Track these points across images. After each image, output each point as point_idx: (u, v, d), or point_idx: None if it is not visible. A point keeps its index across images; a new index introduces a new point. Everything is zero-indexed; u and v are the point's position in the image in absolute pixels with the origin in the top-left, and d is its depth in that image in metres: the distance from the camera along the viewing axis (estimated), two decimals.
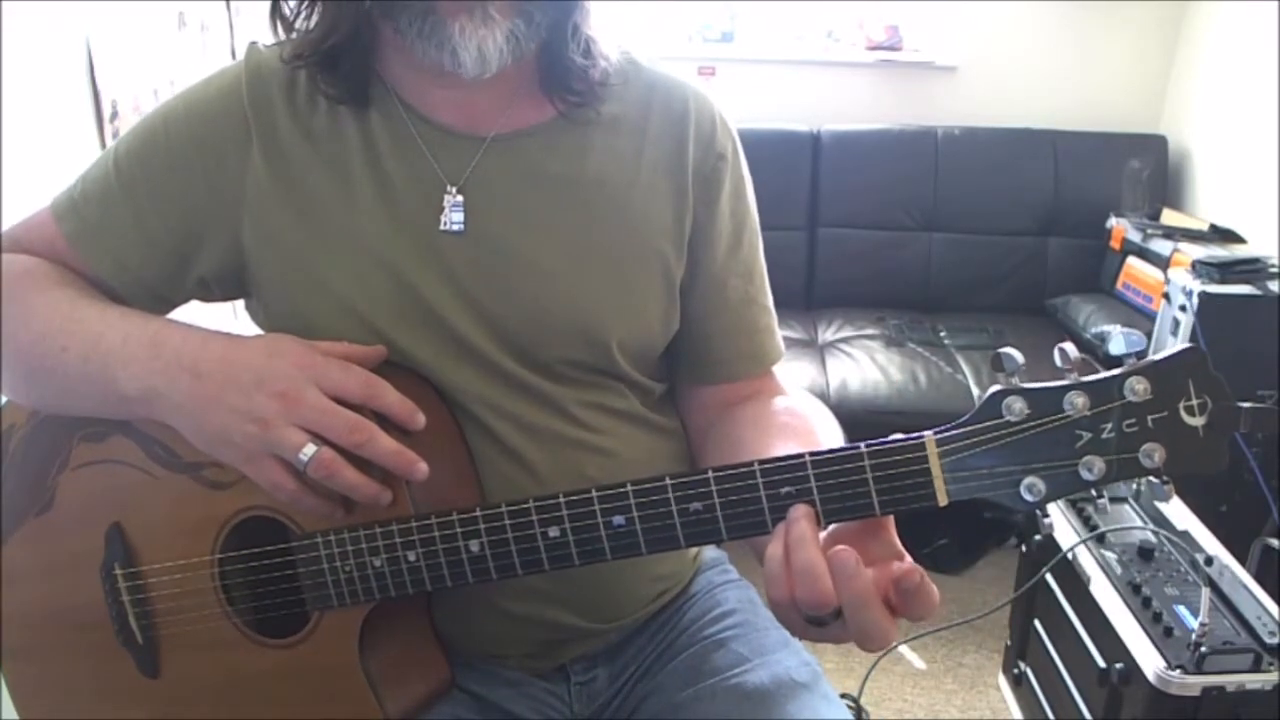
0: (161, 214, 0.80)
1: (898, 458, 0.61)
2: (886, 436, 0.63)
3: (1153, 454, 0.58)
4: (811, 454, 0.62)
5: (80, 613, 0.82)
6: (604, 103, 0.82)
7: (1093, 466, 0.59)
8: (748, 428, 0.84)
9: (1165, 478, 0.59)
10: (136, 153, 0.82)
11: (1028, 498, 0.60)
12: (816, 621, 0.61)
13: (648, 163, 0.83)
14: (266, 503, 0.76)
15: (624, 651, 0.91)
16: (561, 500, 0.68)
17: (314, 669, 0.77)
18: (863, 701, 1.88)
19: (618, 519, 0.67)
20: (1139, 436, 0.58)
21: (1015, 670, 1.92)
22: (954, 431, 0.61)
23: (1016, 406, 0.59)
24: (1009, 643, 1.97)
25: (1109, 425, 0.58)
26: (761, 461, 0.63)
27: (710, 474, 0.64)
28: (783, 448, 0.77)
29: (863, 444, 0.62)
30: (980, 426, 0.60)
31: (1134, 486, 0.61)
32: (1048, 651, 1.76)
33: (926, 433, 0.61)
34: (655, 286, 0.84)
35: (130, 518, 0.81)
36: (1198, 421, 0.57)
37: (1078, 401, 0.58)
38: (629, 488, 0.66)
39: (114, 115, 1.56)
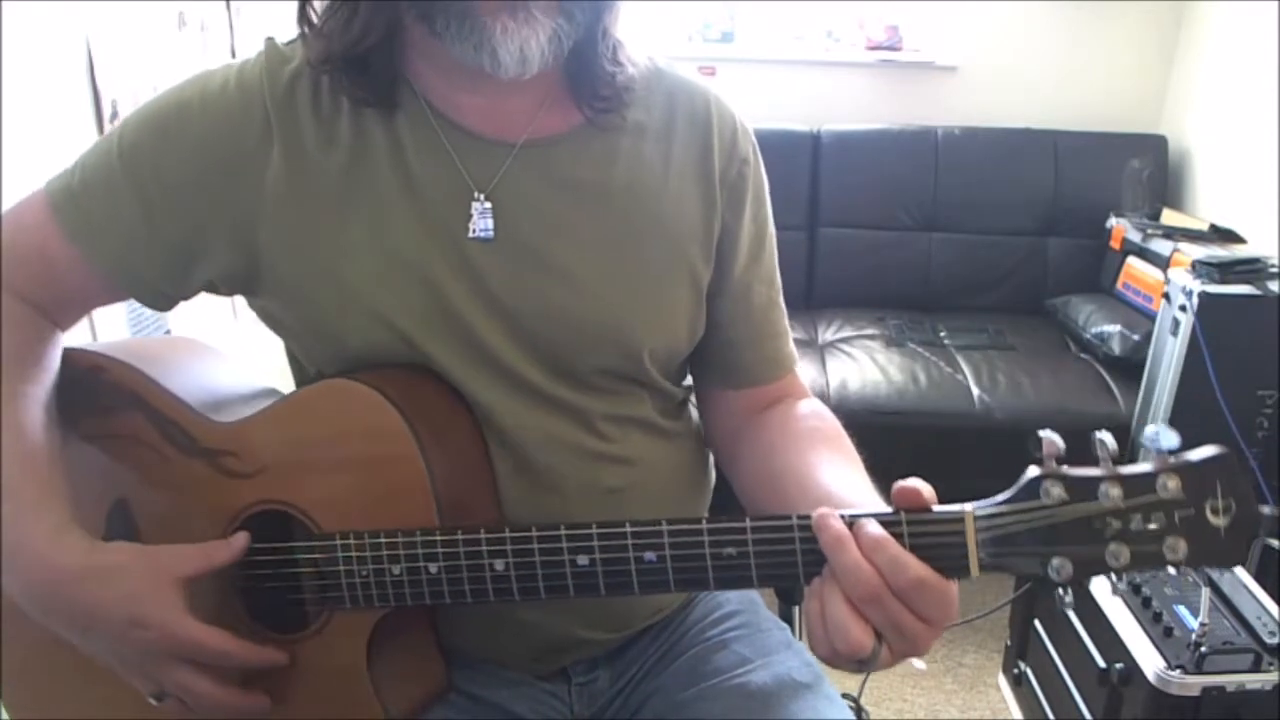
0: (173, 211, 0.77)
1: (936, 528, 0.63)
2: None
3: (1176, 548, 0.61)
4: (850, 515, 0.63)
5: None
6: (629, 108, 0.81)
7: (1119, 555, 0.61)
8: (776, 433, 0.85)
9: (1184, 570, 0.62)
10: (145, 146, 0.78)
11: (1054, 577, 0.62)
12: (865, 661, 0.62)
13: (675, 169, 0.83)
14: (285, 497, 0.76)
15: (626, 653, 0.91)
16: (594, 531, 0.68)
17: (319, 668, 0.77)
18: (863, 701, 1.87)
19: (649, 555, 0.67)
20: (1165, 531, 0.61)
21: (1015, 670, 1.92)
22: (993, 509, 0.63)
23: (1055, 492, 0.62)
24: (1009, 643, 1.97)
25: (1138, 517, 0.61)
26: (800, 516, 0.64)
27: (748, 523, 0.66)
28: (813, 455, 0.79)
29: (903, 512, 0.63)
30: (1018, 506, 0.62)
31: None
32: (1048, 651, 1.76)
33: (967, 506, 0.63)
34: (683, 292, 0.84)
35: (137, 497, 0.80)
36: (1221, 522, 0.60)
37: (1112, 493, 0.61)
38: (664, 526, 0.67)
39: (114, 115, 1.56)
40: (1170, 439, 0.61)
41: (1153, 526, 0.60)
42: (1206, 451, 0.61)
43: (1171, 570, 0.62)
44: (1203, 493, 0.60)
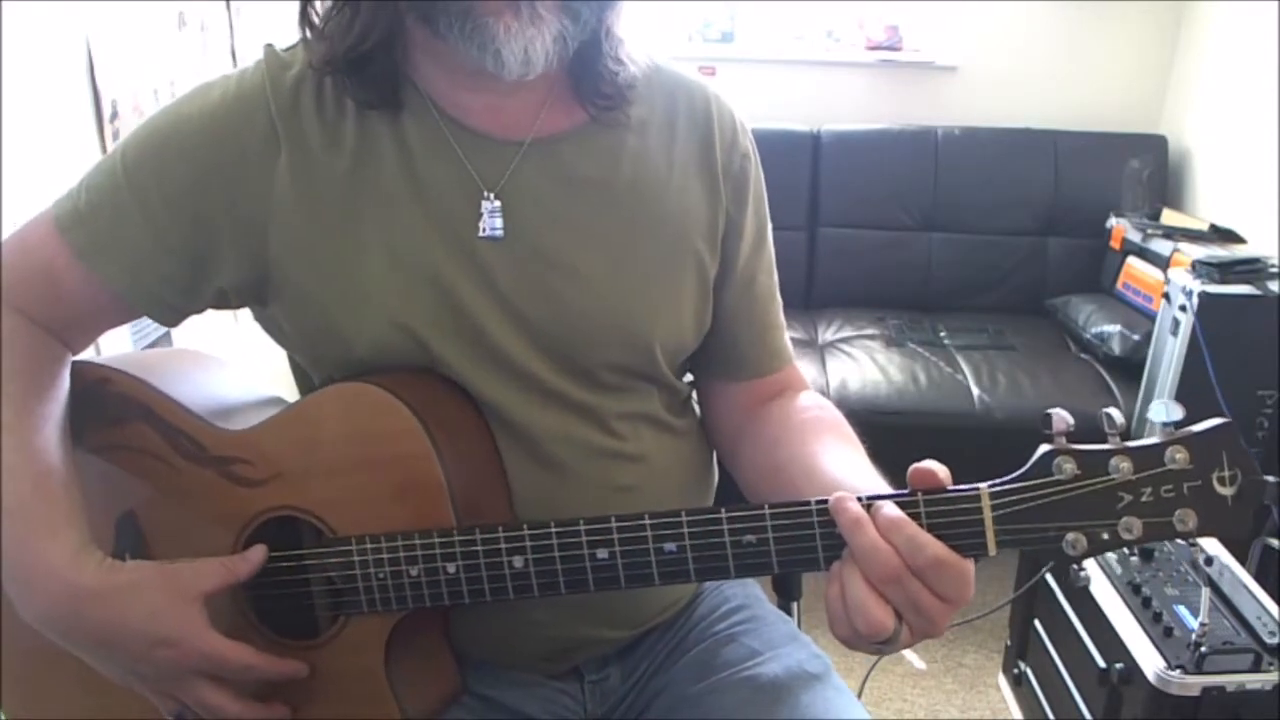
0: (180, 225, 0.77)
1: (953, 507, 0.63)
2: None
3: (1186, 519, 0.62)
4: (868, 497, 0.64)
5: None
6: (632, 105, 0.82)
7: (1132, 527, 0.62)
8: (779, 425, 0.85)
9: (1193, 540, 0.63)
10: (149, 161, 0.78)
11: (1069, 552, 0.63)
12: (885, 642, 0.63)
13: (679, 163, 0.84)
14: (299, 503, 0.76)
15: (635, 650, 0.91)
16: (613, 524, 0.68)
17: (336, 672, 0.77)
18: (863, 701, 1.88)
19: (669, 545, 0.68)
20: (1175, 502, 0.62)
21: (1015, 670, 1.92)
22: (1007, 486, 0.63)
23: (1067, 467, 0.63)
24: (1009, 643, 1.97)
25: (1149, 489, 0.62)
26: (818, 501, 0.65)
27: (767, 510, 0.66)
28: (817, 445, 0.79)
29: (920, 492, 0.64)
30: (1032, 483, 0.63)
31: None
32: (1048, 651, 1.76)
33: (981, 485, 0.64)
34: (690, 286, 0.84)
35: (145, 508, 0.80)
36: (1228, 491, 0.61)
37: (1123, 466, 0.62)
38: (684, 516, 0.67)
39: (114, 115, 1.56)
40: (1175, 412, 0.63)
41: (1163, 498, 0.62)
42: (1210, 422, 0.62)
43: (1181, 541, 0.63)
44: (1210, 463, 0.61)
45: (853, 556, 0.63)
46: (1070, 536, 0.63)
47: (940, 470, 0.64)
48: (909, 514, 0.62)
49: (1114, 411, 0.63)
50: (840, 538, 0.63)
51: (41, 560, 0.71)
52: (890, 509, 0.62)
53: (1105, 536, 0.63)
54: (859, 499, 0.63)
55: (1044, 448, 0.63)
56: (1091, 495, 0.62)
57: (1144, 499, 0.62)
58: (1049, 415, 0.63)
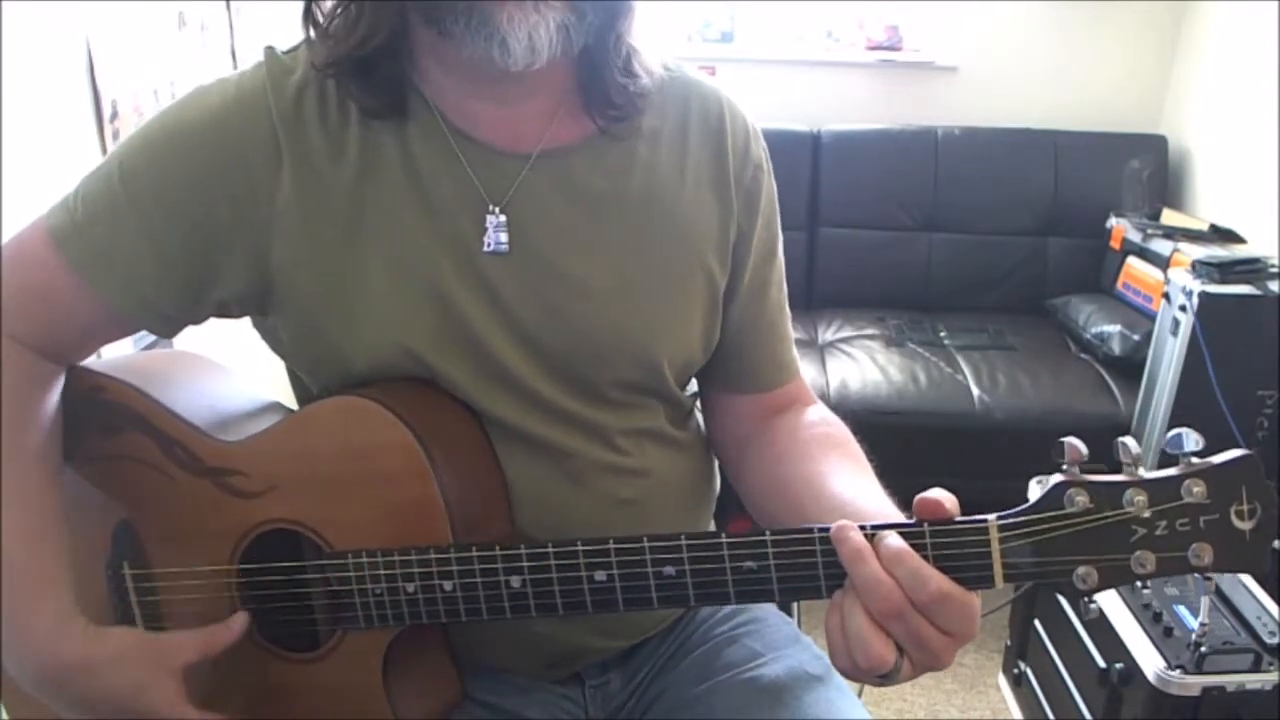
0: (179, 232, 0.75)
1: (960, 539, 0.62)
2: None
3: (1201, 554, 0.60)
4: (872, 526, 0.62)
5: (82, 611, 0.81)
6: (643, 115, 0.80)
7: (1145, 562, 0.61)
8: (786, 440, 0.84)
9: (1208, 575, 0.61)
10: (147, 167, 0.75)
11: (1080, 586, 0.61)
12: (886, 675, 0.62)
13: (691, 175, 0.82)
14: (295, 516, 0.75)
15: (637, 654, 0.90)
16: (612, 546, 0.67)
17: (333, 686, 0.77)
18: (863, 701, 1.88)
19: (668, 569, 0.67)
20: (1190, 536, 0.60)
21: (1015, 670, 1.92)
22: (1017, 518, 0.62)
23: (1079, 500, 0.61)
24: (1009, 643, 1.97)
25: (1163, 523, 0.60)
26: (821, 528, 0.64)
27: (768, 535, 0.65)
28: (825, 462, 0.78)
29: (926, 523, 0.62)
30: (1043, 515, 0.61)
31: None
32: (1048, 651, 1.76)
33: (990, 516, 0.62)
34: (700, 300, 0.83)
35: (142, 517, 0.80)
36: (1246, 526, 0.60)
37: (1137, 499, 0.60)
38: (683, 540, 0.66)
39: (114, 115, 1.56)
40: (1193, 441, 0.61)
41: (1178, 532, 0.60)
42: (1231, 454, 0.60)
43: (1197, 576, 0.62)
44: (1228, 497, 0.60)
45: (854, 588, 0.61)
46: (1081, 570, 0.61)
47: (948, 500, 0.63)
48: (914, 545, 0.61)
49: (1129, 440, 0.61)
50: (841, 565, 0.62)
51: (27, 627, 0.72)
52: (893, 540, 0.61)
53: (1118, 571, 0.61)
54: (863, 528, 0.62)
55: (1056, 478, 0.61)
56: (1104, 529, 0.60)
57: (1158, 532, 0.60)
58: (1061, 444, 0.62)
